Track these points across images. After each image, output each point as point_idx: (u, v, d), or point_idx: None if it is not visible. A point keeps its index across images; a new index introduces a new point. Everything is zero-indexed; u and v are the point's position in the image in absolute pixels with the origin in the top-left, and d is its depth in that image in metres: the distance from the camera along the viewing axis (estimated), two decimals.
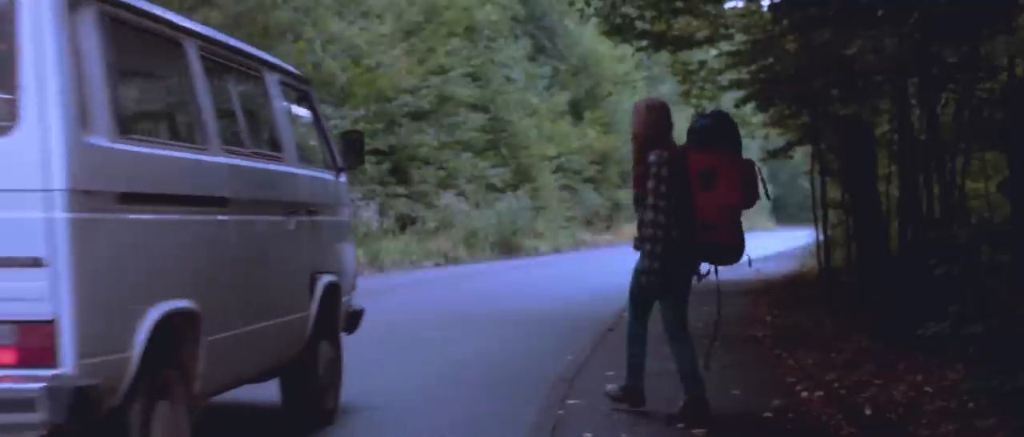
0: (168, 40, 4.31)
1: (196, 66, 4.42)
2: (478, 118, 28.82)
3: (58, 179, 3.34)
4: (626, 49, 18.62)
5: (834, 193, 13.28)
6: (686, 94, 15.39)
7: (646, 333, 5.84)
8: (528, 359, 8.38)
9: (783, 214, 69.12)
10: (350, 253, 6.47)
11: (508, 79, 33.85)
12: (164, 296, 3.87)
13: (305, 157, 5.95)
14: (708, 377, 5.97)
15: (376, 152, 23.72)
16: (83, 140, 3.44)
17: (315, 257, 5.58)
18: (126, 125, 3.77)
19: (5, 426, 3.35)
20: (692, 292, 5.89)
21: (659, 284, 5.48)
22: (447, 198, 25.42)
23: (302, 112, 6.14)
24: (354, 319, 6.34)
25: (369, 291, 15.35)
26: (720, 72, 13.99)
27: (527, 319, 11.23)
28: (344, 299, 6.01)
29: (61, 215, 3.34)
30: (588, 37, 40.12)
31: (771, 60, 11.50)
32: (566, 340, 9.41)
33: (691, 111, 16.95)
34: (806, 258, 19.86)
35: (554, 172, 34.66)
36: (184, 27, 4.45)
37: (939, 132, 8.57)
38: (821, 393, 6.41)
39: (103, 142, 3.55)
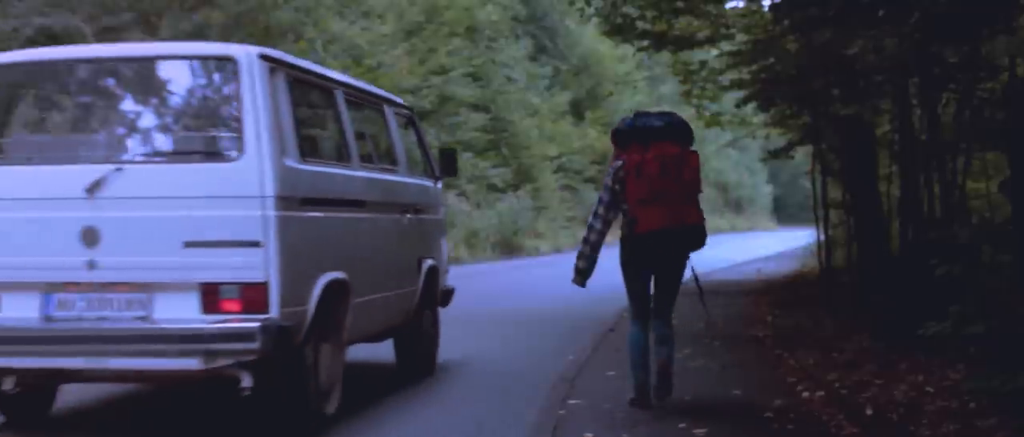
0: (325, 90, 6.10)
1: (342, 106, 6.16)
2: (479, 118, 28.81)
3: (268, 189, 4.97)
4: (627, 49, 18.62)
5: (835, 193, 13.28)
6: (687, 94, 15.40)
7: (645, 337, 6.03)
8: (529, 359, 8.38)
9: (784, 214, 69.09)
10: (445, 244, 7.95)
11: (509, 79, 33.83)
12: (327, 269, 5.47)
13: (413, 169, 7.51)
14: (709, 376, 5.99)
15: None
16: (282, 163, 5.08)
17: (421, 246, 7.23)
18: (304, 151, 5.40)
19: (234, 351, 4.90)
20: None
21: (587, 277, 6.07)
22: (448, 198, 25.42)
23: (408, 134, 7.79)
24: (447, 296, 7.93)
25: None
26: (721, 72, 13.99)
27: (528, 319, 11.23)
28: (440, 280, 7.66)
29: (271, 213, 4.97)
30: (589, 37, 40.10)
31: (772, 60, 11.50)
32: (567, 340, 9.42)
33: (692, 111, 17.02)
34: (807, 258, 19.85)
35: (555, 172, 34.64)
36: (335, 79, 6.30)
37: (940, 132, 8.58)
38: (822, 393, 6.41)
39: (293, 164, 5.20)
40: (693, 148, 6.11)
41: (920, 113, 9.25)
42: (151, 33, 19.41)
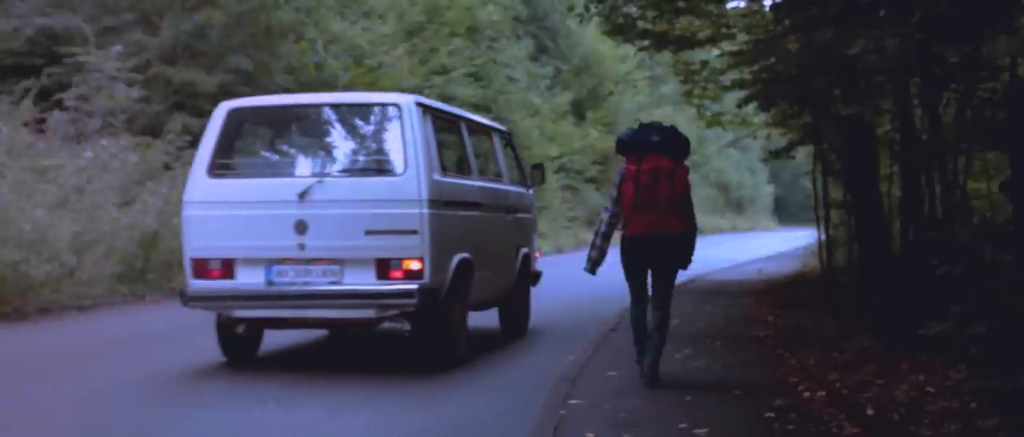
0: (454, 123, 8.58)
1: (465, 134, 8.62)
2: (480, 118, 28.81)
3: (423, 194, 7.18)
4: (628, 49, 18.62)
5: (836, 193, 13.27)
6: (688, 94, 15.39)
7: (642, 314, 6.90)
8: (530, 358, 8.39)
9: (785, 214, 69.11)
10: (535, 237, 10.24)
11: (510, 79, 33.82)
12: (459, 251, 7.69)
13: (512, 179, 9.76)
14: (710, 376, 6.04)
15: None
16: (431, 176, 7.29)
17: (518, 237, 9.53)
18: (443, 168, 7.72)
19: (399, 305, 7.13)
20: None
21: (598, 266, 7.03)
22: None
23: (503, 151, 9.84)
24: (536, 277, 10.17)
25: None
26: (722, 72, 13.99)
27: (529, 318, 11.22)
28: (532, 264, 9.97)
29: (424, 211, 7.17)
30: (590, 37, 40.10)
31: (773, 60, 11.49)
32: (568, 340, 9.42)
33: (693, 111, 16.99)
34: (808, 258, 19.85)
35: (556, 172, 34.63)
36: (460, 115, 8.85)
37: (941, 132, 8.57)
38: (823, 393, 6.41)
39: (437, 177, 7.42)
40: (685, 163, 6.83)
41: (921, 113, 9.25)
42: (152, 33, 19.43)
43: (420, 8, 29.18)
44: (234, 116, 7.83)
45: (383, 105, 7.76)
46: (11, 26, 18.69)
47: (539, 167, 10.17)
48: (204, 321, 8.10)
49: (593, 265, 6.95)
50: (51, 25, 18.71)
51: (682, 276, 7.35)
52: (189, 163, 16.12)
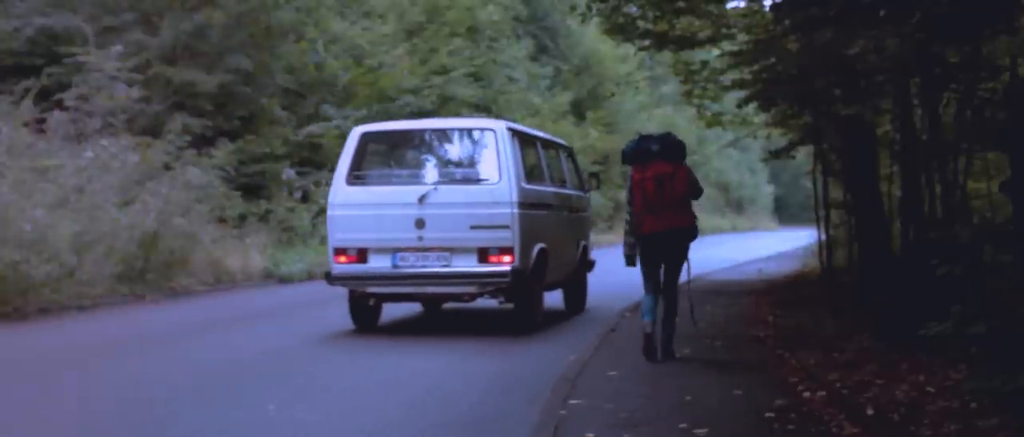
0: (533, 142, 10.80)
1: (541, 150, 10.93)
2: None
3: (513, 198, 9.36)
4: (628, 49, 18.61)
5: (836, 193, 13.26)
6: (688, 94, 15.39)
7: (653, 302, 7.88)
8: (530, 358, 8.38)
9: (785, 214, 69.09)
10: (590, 231, 12.57)
11: (510, 79, 33.82)
12: (538, 241, 9.78)
13: (574, 185, 12.00)
14: (711, 375, 5.99)
15: None
16: (519, 184, 9.44)
17: (579, 232, 11.83)
18: (527, 177, 9.85)
19: (495, 283, 9.30)
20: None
21: (634, 260, 8.01)
22: None
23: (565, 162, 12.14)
24: (592, 265, 12.31)
25: None
26: (722, 72, 13.98)
27: None
28: (588, 253, 12.22)
29: (515, 211, 9.34)
30: (590, 37, 40.09)
31: (773, 60, 11.49)
32: (568, 340, 9.42)
33: (693, 111, 16.96)
34: (808, 258, 19.85)
35: None
36: (537, 135, 11.20)
37: (941, 132, 8.57)
38: (823, 393, 6.41)
39: (523, 185, 9.55)
40: (684, 163, 7.92)
41: (921, 113, 9.24)
42: (152, 33, 19.43)
43: (420, 8, 29.18)
44: (364, 138, 10.10)
45: (481, 129, 10.15)
46: (11, 26, 18.70)
47: (595, 175, 12.83)
48: (204, 321, 8.12)
49: (630, 262, 8.08)
50: (51, 25, 18.73)
51: (682, 277, 8.14)
52: (189, 163, 16.26)
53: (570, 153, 12.39)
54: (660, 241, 7.80)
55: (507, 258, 9.37)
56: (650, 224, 7.76)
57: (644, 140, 7.98)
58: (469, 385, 7.06)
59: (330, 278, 9.75)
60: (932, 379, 6.48)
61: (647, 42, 13.65)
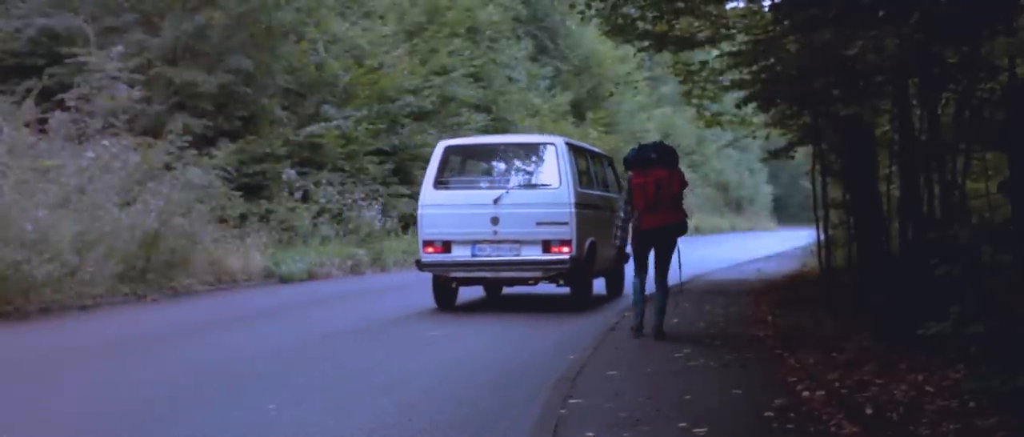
0: (583, 153, 12.90)
1: (590, 159, 13.07)
2: (480, 118, 28.80)
3: (571, 200, 11.49)
4: (628, 49, 18.67)
5: (835, 193, 13.27)
6: (688, 94, 15.40)
7: (642, 284, 9.39)
8: (530, 358, 8.40)
9: (784, 214, 69.12)
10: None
11: (510, 79, 33.84)
12: (590, 236, 11.83)
13: (613, 188, 13.79)
14: (710, 375, 6.03)
15: (379, 152, 23.71)
16: (576, 188, 11.64)
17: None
18: (583, 182, 12.10)
19: (557, 269, 11.48)
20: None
21: (626, 253, 9.82)
22: None
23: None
24: (627, 257, 11.74)
25: (372, 291, 15.40)
26: (721, 72, 14.00)
27: (529, 318, 11.25)
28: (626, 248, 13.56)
29: (572, 210, 11.44)
30: (590, 38, 40.12)
31: (772, 60, 11.51)
32: (568, 339, 9.44)
33: (693, 111, 16.95)
34: (807, 258, 19.87)
35: None
36: (586, 148, 13.55)
37: (940, 132, 8.58)
38: (822, 392, 6.42)
39: (579, 189, 11.76)
40: (677, 167, 9.34)
41: (920, 113, 9.26)
42: (153, 33, 19.44)
43: (420, 9, 29.19)
44: (447, 151, 12.15)
45: (544, 143, 12.30)
46: (12, 26, 18.71)
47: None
48: (205, 321, 8.13)
49: (622, 247, 9.59)
50: (52, 25, 18.74)
51: (681, 276, 9.90)
52: (190, 163, 16.27)
53: (610, 162, 14.44)
54: (657, 234, 9.24)
55: (566, 249, 11.40)
56: (648, 221, 9.17)
57: (643, 149, 9.39)
58: (468, 385, 7.08)
59: (420, 265, 11.76)
60: (931, 379, 6.49)
61: (647, 43, 13.66)
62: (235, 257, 16.19)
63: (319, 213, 20.46)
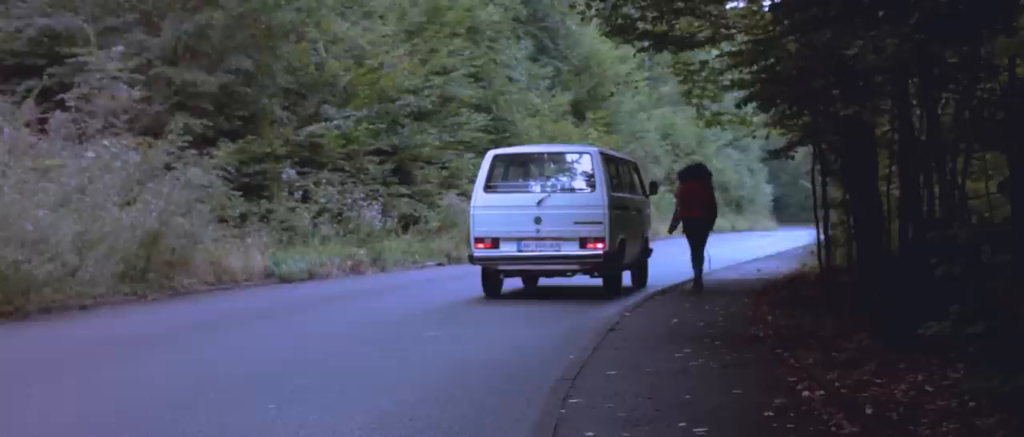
0: (614, 160, 14.89)
1: (619, 165, 15.19)
2: (480, 118, 28.80)
3: (604, 202, 13.24)
4: (628, 49, 18.63)
5: (835, 193, 13.29)
6: (687, 94, 15.42)
7: (700, 259, 14.73)
8: (530, 358, 8.40)
9: (784, 214, 69.07)
10: (650, 226, 16.49)
11: (510, 79, 33.82)
12: (621, 233, 13.67)
13: (639, 191, 15.75)
14: (710, 375, 6.15)
15: (379, 152, 23.70)
16: (610, 192, 13.42)
17: (643, 227, 15.63)
18: (614, 186, 13.81)
19: (592, 263, 13.27)
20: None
21: (674, 228, 15.51)
22: (449, 198, 25.39)
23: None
24: (651, 252, 16.15)
25: (373, 291, 15.40)
26: (721, 72, 14.01)
27: (529, 318, 11.26)
28: (649, 242, 16.17)
29: (605, 211, 13.22)
30: (590, 38, 40.08)
31: (772, 60, 11.51)
32: (568, 340, 9.44)
33: (692, 111, 16.95)
34: (807, 258, 19.87)
35: None
36: (616, 156, 15.67)
37: (940, 132, 8.58)
38: (822, 392, 6.43)
39: (612, 193, 13.51)
40: (708, 182, 14.76)
41: (920, 113, 9.25)
42: (153, 33, 19.43)
43: (421, 9, 29.18)
44: (495, 159, 13.94)
45: (580, 152, 14.28)
46: (13, 26, 18.71)
47: (654, 183, 16.48)
48: (205, 320, 8.13)
49: (671, 229, 15.73)
50: (53, 25, 18.73)
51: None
52: (190, 163, 16.29)
53: (636, 167, 16.39)
54: (690, 223, 14.82)
55: (600, 245, 13.04)
56: (688, 215, 14.83)
57: (688, 171, 15.45)
58: (468, 385, 7.09)
59: (472, 259, 13.57)
60: (931, 378, 6.50)
61: (647, 43, 13.67)
62: (235, 257, 16.20)
63: (319, 213, 20.46)
